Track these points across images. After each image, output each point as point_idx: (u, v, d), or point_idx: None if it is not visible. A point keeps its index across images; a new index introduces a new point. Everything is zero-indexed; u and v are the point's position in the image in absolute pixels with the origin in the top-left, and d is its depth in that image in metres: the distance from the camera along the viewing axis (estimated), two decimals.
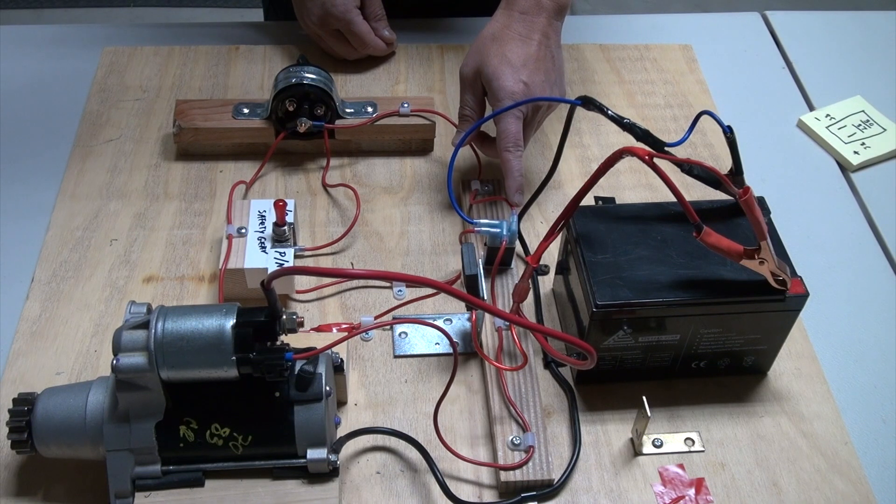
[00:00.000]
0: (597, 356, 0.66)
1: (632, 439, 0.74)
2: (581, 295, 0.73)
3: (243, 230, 0.81)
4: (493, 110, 0.84)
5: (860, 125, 1.02)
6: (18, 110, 0.98)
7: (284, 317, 0.64)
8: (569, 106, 0.78)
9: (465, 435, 0.74)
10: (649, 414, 0.70)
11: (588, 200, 0.72)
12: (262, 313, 0.63)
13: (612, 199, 0.90)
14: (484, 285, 0.75)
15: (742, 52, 1.13)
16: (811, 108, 1.06)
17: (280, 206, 0.79)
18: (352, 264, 0.86)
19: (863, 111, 1.04)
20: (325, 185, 0.92)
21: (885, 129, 1.02)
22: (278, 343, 0.64)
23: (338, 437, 0.69)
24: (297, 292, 0.82)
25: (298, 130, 0.91)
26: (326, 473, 0.66)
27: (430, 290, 0.82)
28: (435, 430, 0.70)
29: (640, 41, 1.12)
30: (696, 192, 0.86)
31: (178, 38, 1.08)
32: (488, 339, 0.78)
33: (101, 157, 0.94)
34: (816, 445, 0.74)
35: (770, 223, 0.75)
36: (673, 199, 0.65)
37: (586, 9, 2.72)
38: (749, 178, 0.78)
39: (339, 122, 0.93)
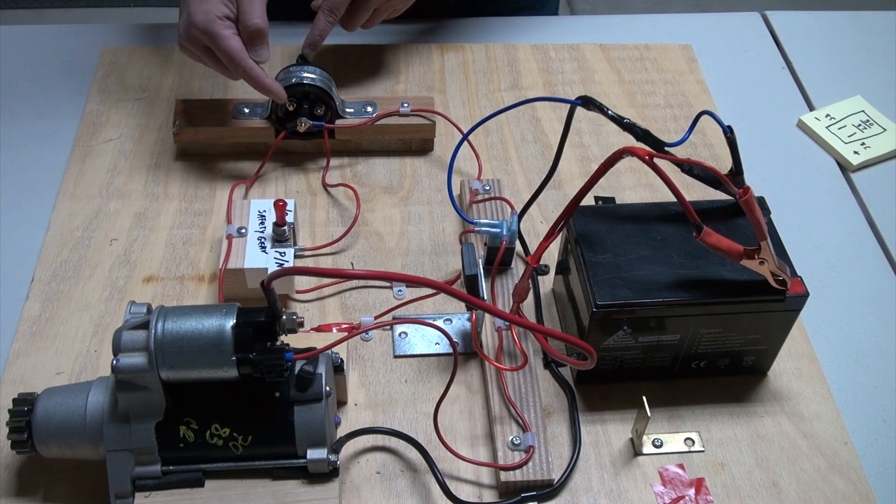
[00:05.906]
0: (597, 356, 0.66)
1: (632, 439, 0.74)
2: (581, 295, 0.73)
3: (243, 230, 0.81)
4: None
5: (860, 125, 1.02)
6: (18, 110, 0.98)
7: (284, 317, 0.64)
8: (569, 106, 0.78)
9: (465, 435, 0.74)
10: (649, 414, 0.70)
11: (588, 200, 0.72)
12: (262, 313, 0.63)
13: (612, 199, 0.90)
14: (484, 285, 0.75)
15: (742, 52, 1.13)
16: (811, 108, 1.06)
17: (280, 206, 0.79)
18: (352, 264, 0.86)
19: (863, 111, 1.04)
20: (325, 185, 0.92)
21: (885, 129, 1.02)
22: (278, 343, 0.64)
23: (338, 437, 0.69)
24: (297, 292, 0.82)
25: (298, 130, 0.91)
26: (326, 473, 0.66)
27: (430, 290, 0.82)
28: (435, 430, 0.70)
29: (640, 41, 1.12)
30: (696, 192, 0.86)
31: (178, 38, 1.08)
32: (488, 339, 0.78)
33: (101, 157, 0.94)
34: (816, 445, 0.74)
35: (770, 223, 0.75)
36: (673, 199, 0.65)
37: (586, 9, 2.72)
38: (749, 178, 0.78)
39: (339, 122, 0.92)
